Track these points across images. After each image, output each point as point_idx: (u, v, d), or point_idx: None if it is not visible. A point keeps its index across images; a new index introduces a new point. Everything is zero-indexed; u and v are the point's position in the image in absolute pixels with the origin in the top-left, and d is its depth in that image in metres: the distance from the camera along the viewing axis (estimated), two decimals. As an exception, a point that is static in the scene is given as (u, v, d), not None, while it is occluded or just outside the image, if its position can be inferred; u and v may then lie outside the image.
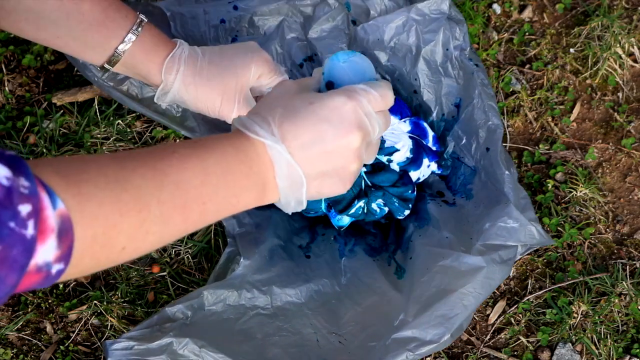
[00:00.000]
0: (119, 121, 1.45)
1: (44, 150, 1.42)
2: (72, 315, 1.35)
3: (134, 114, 1.46)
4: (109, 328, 1.33)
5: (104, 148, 1.44)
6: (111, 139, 1.45)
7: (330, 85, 0.97)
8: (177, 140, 1.45)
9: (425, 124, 1.40)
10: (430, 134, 1.39)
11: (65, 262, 0.67)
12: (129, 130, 1.46)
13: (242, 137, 0.85)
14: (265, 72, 1.17)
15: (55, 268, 0.66)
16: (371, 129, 0.91)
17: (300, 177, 0.87)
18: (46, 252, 0.64)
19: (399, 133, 1.39)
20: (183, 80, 1.15)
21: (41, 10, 1.08)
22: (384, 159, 1.37)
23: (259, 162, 0.85)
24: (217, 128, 1.39)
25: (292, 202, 0.90)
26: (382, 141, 1.38)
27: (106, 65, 1.17)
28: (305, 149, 0.86)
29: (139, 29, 1.14)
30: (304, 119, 0.87)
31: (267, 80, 1.19)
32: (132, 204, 0.73)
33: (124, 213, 0.72)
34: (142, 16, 1.16)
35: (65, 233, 0.66)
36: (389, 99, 0.94)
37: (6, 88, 1.50)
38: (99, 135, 1.45)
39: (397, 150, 1.37)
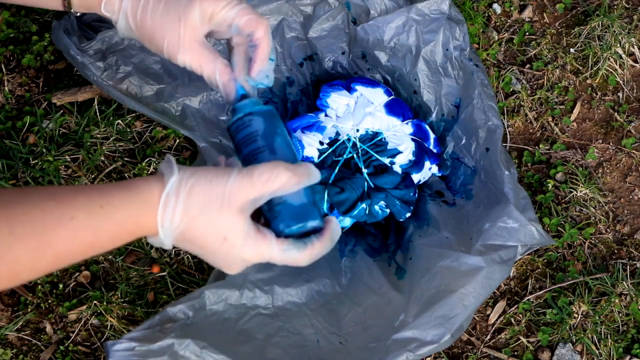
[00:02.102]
0: (119, 121, 1.45)
1: (44, 150, 1.42)
2: (72, 316, 1.35)
3: (133, 114, 1.46)
4: (108, 328, 1.33)
5: (103, 148, 1.44)
6: (111, 138, 1.44)
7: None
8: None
9: (427, 126, 1.40)
10: (432, 136, 1.39)
11: None
12: (128, 130, 1.46)
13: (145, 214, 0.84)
14: (217, 10, 0.98)
15: None
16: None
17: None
18: None
19: (402, 135, 1.39)
20: (127, 14, 1.03)
21: None
22: (386, 160, 1.37)
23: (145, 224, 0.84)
24: (217, 127, 1.39)
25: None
26: (385, 143, 1.38)
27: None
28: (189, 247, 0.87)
29: None
30: (210, 254, 0.87)
31: (221, 18, 0.98)
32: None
33: None
34: None
35: None
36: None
37: (6, 88, 1.49)
38: (98, 135, 1.45)
39: (400, 152, 1.37)
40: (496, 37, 1.56)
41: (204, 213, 0.83)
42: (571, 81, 1.53)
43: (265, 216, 0.89)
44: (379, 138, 1.39)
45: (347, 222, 1.36)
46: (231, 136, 0.94)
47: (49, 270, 0.79)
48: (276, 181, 0.84)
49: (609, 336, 1.33)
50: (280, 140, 0.92)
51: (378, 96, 1.41)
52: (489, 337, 1.35)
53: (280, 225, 0.89)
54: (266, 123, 0.92)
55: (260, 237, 0.86)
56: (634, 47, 1.53)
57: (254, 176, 0.84)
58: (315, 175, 0.88)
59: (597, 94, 1.52)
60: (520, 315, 1.36)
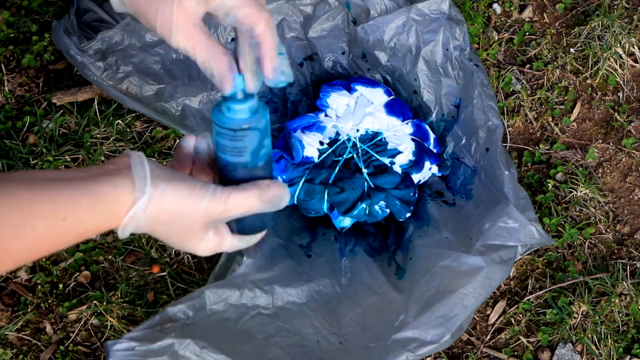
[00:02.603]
0: (119, 121, 1.45)
1: (44, 150, 1.41)
2: (72, 316, 1.35)
3: (133, 114, 1.46)
4: (108, 328, 1.33)
5: (103, 148, 1.44)
6: (111, 138, 1.44)
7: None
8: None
9: (427, 126, 1.40)
10: (432, 136, 1.39)
11: None
12: (128, 130, 1.46)
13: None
14: None
15: None
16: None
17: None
18: None
19: (402, 135, 1.39)
20: None
21: None
22: (386, 160, 1.37)
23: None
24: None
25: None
26: (385, 143, 1.38)
27: None
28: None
29: None
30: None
31: (218, 4, 0.87)
32: None
33: None
34: None
35: None
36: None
37: (6, 88, 1.49)
38: (98, 135, 1.45)
39: (400, 152, 1.37)
40: (496, 37, 1.56)
41: (169, 227, 0.82)
42: (571, 81, 1.53)
43: None
44: (379, 138, 1.39)
45: (347, 222, 1.36)
46: (213, 125, 0.86)
47: (4, 272, 0.79)
48: (248, 208, 0.84)
49: (609, 336, 1.33)
50: (265, 153, 0.88)
51: (378, 96, 1.41)
52: (489, 337, 1.35)
53: (237, 229, 0.88)
54: (259, 139, 0.88)
55: (218, 239, 0.86)
56: (634, 47, 1.53)
57: (228, 203, 0.83)
58: (286, 200, 0.87)
59: (597, 94, 1.52)
60: (520, 315, 1.36)
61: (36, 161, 1.41)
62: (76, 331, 1.34)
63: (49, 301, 1.36)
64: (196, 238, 0.84)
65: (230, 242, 0.88)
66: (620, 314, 1.35)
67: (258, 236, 0.91)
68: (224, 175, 0.88)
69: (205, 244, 0.85)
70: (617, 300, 1.35)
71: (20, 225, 0.75)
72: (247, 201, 0.83)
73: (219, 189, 0.82)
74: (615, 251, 1.41)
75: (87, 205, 0.78)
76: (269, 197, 0.85)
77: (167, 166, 0.84)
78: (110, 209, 0.79)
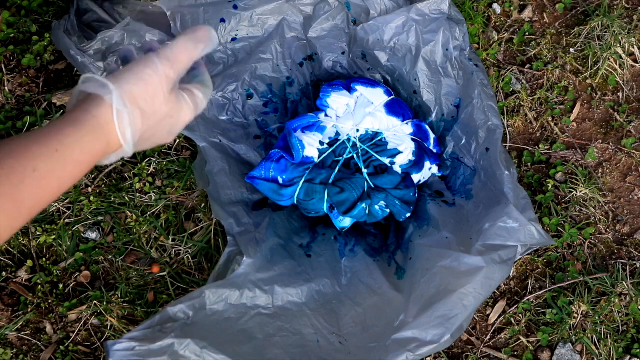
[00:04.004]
0: (119, 121, 1.45)
1: (44, 150, 1.41)
2: (72, 315, 1.35)
3: (133, 114, 1.46)
4: (108, 328, 1.33)
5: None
6: (111, 138, 1.45)
7: None
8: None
9: (427, 126, 1.40)
10: (432, 136, 1.40)
11: None
12: (128, 130, 1.46)
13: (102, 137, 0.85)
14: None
15: None
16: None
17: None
18: None
19: (402, 135, 1.39)
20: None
21: None
22: (386, 161, 1.37)
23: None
24: (217, 127, 1.39)
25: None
26: (385, 143, 1.38)
27: None
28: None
29: None
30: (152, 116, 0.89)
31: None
32: None
33: None
34: None
35: None
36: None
37: (6, 88, 1.49)
38: (98, 135, 1.45)
39: (400, 152, 1.37)
40: (496, 37, 1.56)
41: (152, 108, 0.85)
42: (571, 81, 1.53)
43: None
44: (379, 138, 1.39)
45: (347, 222, 1.36)
46: None
47: (23, 224, 0.81)
48: (189, 54, 0.88)
49: (608, 336, 1.33)
50: None
51: (378, 96, 1.41)
52: (489, 337, 1.35)
53: None
54: None
55: (190, 96, 0.90)
56: (634, 47, 1.53)
57: (174, 57, 0.87)
58: (215, 34, 0.91)
59: (597, 94, 1.52)
60: (520, 315, 1.36)
61: (36, 161, 1.41)
62: (76, 331, 1.34)
63: (49, 301, 1.36)
64: (177, 105, 0.88)
65: (201, 95, 0.91)
66: (620, 314, 1.35)
67: (209, 78, 0.94)
68: None
69: (188, 108, 0.89)
70: (617, 300, 1.35)
71: (22, 171, 0.78)
72: (185, 48, 0.88)
73: (158, 52, 0.87)
74: (615, 251, 1.41)
75: (72, 133, 0.81)
76: (200, 36, 0.89)
77: None
78: (93, 128, 0.82)
